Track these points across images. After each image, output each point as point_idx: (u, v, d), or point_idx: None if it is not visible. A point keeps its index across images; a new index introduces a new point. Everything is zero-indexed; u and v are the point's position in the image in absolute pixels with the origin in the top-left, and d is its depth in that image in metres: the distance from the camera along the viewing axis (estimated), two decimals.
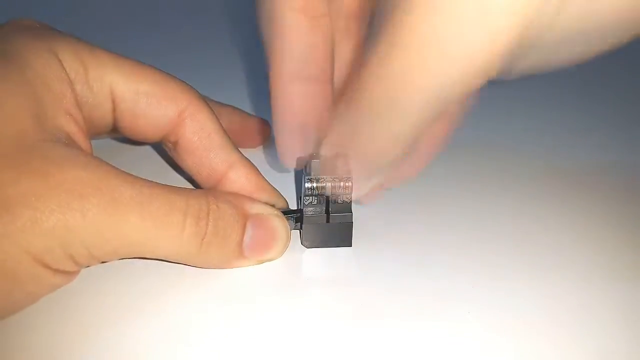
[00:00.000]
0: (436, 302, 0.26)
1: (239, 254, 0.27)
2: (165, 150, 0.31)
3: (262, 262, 0.28)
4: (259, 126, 0.39)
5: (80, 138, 0.25)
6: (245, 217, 0.27)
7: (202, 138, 0.29)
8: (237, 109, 0.38)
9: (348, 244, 0.29)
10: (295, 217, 0.29)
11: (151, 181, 0.25)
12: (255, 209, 0.27)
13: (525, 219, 0.33)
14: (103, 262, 0.26)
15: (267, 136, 0.39)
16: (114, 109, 0.28)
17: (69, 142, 0.24)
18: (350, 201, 0.29)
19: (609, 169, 0.38)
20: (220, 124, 0.29)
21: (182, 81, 0.29)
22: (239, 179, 0.29)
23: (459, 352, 0.24)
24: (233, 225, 0.26)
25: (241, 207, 0.27)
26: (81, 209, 0.22)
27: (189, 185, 0.34)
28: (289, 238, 0.28)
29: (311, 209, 0.29)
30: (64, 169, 0.23)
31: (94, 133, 0.29)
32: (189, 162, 0.29)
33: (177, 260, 0.26)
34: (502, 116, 0.45)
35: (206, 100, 0.30)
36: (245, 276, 0.27)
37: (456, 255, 0.29)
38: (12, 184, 0.22)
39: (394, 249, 0.30)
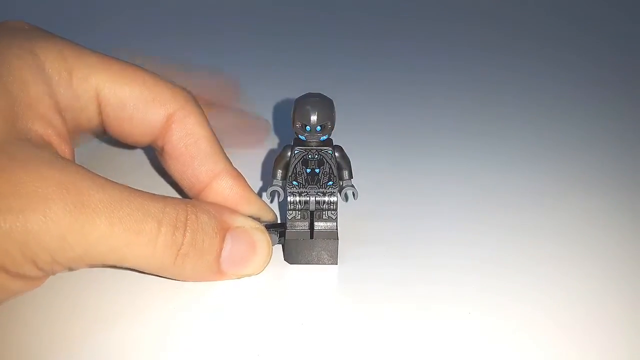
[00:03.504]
0: (437, 303, 0.26)
1: (217, 268, 0.26)
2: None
3: (240, 277, 0.27)
4: (259, 125, 0.38)
5: (56, 141, 0.24)
6: (225, 230, 0.26)
7: (188, 145, 0.28)
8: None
9: (334, 262, 0.28)
10: (279, 231, 0.28)
11: (126, 186, 0.24)
12: (237, 221, 0.26)
13: (526, 219, 0.32)
14: (71, 270, 0.25)
15: (267, 135, 0.38)
16: (100, 112, 0.27)
17: (41, 144, 0.23)
18: (337, 217, 0.28)
19: (612, 168, 0.38)
20: (211, 131, 0.28)
21: (174, 84, 0.28)
22: (223, 190, 0.28)
23: (460, 352, 0.24)
24: (212, 238, 0.25)
25: (221, 219, 0.26)
26: (43, 211, 0.21)
27: (175, 193, 0.33)
28: (270, 253, 0.27)
29: (295, 223, 0.28)
30: (28, 169, 0.21)
31: (81, 137, 0.29)
32: (174, 168, 0.28)
33: (150, 271, 0.25)
34: (499, 113, 0.45)
35: (199, 105, 0.29)
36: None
37: (456, 256, 0.29)
38: None
39: (388, 255, 0.29)
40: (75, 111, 0.26)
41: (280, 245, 0.29)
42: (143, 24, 0.64)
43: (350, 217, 0.31)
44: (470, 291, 0.27)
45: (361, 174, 0.31)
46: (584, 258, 0.29)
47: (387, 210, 0.33)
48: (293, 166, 0.28)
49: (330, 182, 0.28)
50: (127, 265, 0.24)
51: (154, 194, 0.24)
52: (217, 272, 0.26)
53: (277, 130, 0.42)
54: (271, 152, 0.38)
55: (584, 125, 0.43)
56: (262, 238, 0.27)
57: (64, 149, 0.25)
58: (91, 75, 0.26)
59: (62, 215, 0.21)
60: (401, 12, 0.68)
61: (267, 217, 0.29)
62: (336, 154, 0.28)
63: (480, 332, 0.25)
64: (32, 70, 0.24)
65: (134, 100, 0.27)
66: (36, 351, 0.23)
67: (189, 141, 0.28)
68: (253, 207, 0.29)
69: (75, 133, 0.27)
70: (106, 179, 0.23)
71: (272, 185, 0.29)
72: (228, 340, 0.24)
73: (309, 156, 0.28)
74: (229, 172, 0.28)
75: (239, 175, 0.29)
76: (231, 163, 0.29)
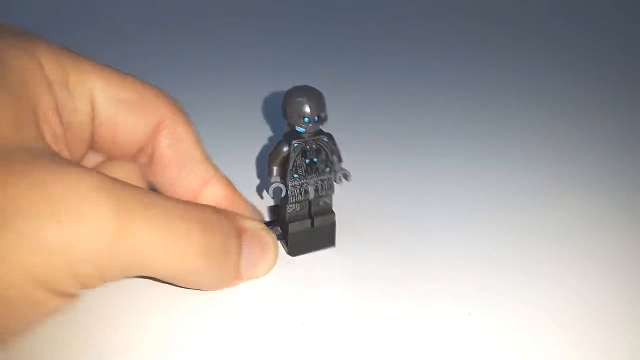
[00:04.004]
0: (437, 302, 0.26)
1: (236, 272, 0.25)
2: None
3: (252, 279, 0.27)
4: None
5: (60, 145, 0.23)
6: (240, 233, 0.25)
7: (178, 152, 0.27)
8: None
9: (332, 244, 0.29)
10: (281, 227, 0.29)
11: (149, 190, 0.23)
12: (246, 224, 0.26)
13: (526, 219, 0.32)
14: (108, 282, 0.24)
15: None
16: (94, 117, 0.26)
17: (51, 150, 0.22)
18: (332, 200, 0.29)
19: (613, 168, 0.38)
20: (198, 137, 0.28)
21: (161, 90, 0.28)
22: (216, 196, 0.28)
23: (460, 352, 0.24)
24: (235, 241, 0.25)
25: (236, 222, 0.25)
26: (86, 219, 0.19)
27: None
28: (278, 253, 0.27)
29: (296, 216, 0.28)
30: (60, 177, 0.19)
31: (72, 146, 0.27)
32: (163, 177, 0.28)
33: (179, 277, 0.24)
34: (499, 113, 0.45)
35: (185, 112, 0.28)
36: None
37: (456, 256, 0.29)
38: (1, 193, 0.18)
39: (388, 255, 0.29)
40: (70, 114, 0.26)
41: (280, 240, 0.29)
42: (142, 23, 0.64)
43: (350, 216, 0.31)
44: (470, 291, 0.27)
45: (361, 174, 0.31)
46: (584, 258, 0.29)
47: (388, 210, 0.33)
48: (293, 159, 0.28)
49: (328, 169, 0.28)
50: (162, 271, 0.23)
51: (173, 198, 0.24)
52: (237, 276, 0.26)
53: (274, 129, 0.42)
54: (264, 149, 0.38)
55: (584, 125, 0.43)
56: (270, 239, 0.27)
57: (64, 154, 0.24)
58: (86, 78, 0.26)
59: (107, 223, 0.19)
60: (401, 12, 0.68)
61: (257, 219, 0.29)
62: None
63: (480, 332, 0.24)
64: (32, 72, 0.24)
65: (129, 104, 0.26)
66: (36, 354, 0.23)
67: (180, 148, 0.27)
68: (244, 211, 0.28)
69: (68, 140, 0.26)
70: (129, 183, 0.22)
71: (272, 182, 0.28)
72: (227, 341, 0.24)
73: (307, 147, 0.28)
74: (219, 179, 0.28)
75: (228, 181, 0.28)
76: (219, 169, 0.29)
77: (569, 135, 0.42)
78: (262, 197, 0.32)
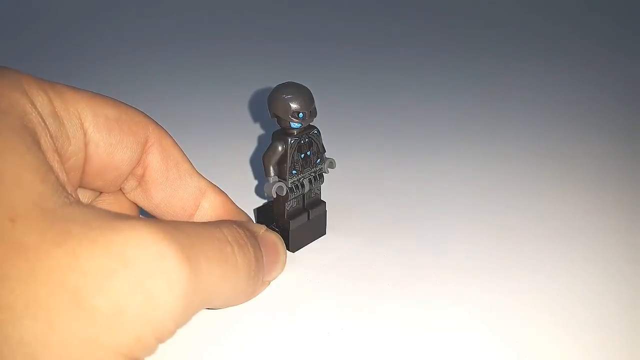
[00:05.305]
0: (437, 302, 0.26)
1: (262, 280, 0.24)
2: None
3: (270, 282, 0.26)
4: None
5: (67, 184, 0.21)
6: (256, 240, 0.24)
7: (170, 167, 0.26)
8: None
9: (323, 232, 0.30)
10: (276, 225, 0.29)
11: (174, 221, 0.21)
12: (256, 228, 0.25)
13: (526, 219, 0.32)
14: None
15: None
16: (87, 142, 0.24)
17: (76, 195, 0.20)
18: (320, 191, 0.30)
19: (613, 168, 0.37)
20: (181, 149, 0.27)
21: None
22: (214, 207, 0.26)
23: (460, 352, 0.23)
24: (259, 251, 0.24)
25: (250, 230, 0.24)
26: (163, 277, 0.17)
27: None
28: (286, 252, 0.27)
29: (294, 212, 0.29)
30: (125, 234, 0.18)
31: (72, 180, 0.25)
32: (158, 195, 0.26)
33: (229, 302, 0.24)
34: (499, 113, 0.45)
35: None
36: None
37: (456, 256, 0.29)
38: (70, 267, 0.16)
39: (387, 255, 0.29)
40: (64, 145, 0.23)
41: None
42: (139, 22, 0.64)
43: (349, 217, 0.31)
44: (470, 291, 0.26)
45: (361, 174, 0.31)
46: (584, 258, 0.29)
47: (387, 211, 0.32)
48: (291, 156, 0.28)
49: (318, 160, 0.29)
50: (218, 302, 0.23)
51: (196, 222, 0.23)
52: (263, 284, 0.25)
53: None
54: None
55: (584, 125, 0.43)
56: (277, 240, 0.26)
57: (74, 194, 0.22)
58: (70, 103, 0.23)
59: (182, 273, 0.18)
60: (401, 12, 0.69)
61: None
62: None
63: (480, 332, 0.24)
64: (29, 112, 0.21)
65: (117, 122, 0.24)
66: None
67: (171, 163, 0.26)
68: (242, 216, 0.28)
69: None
70: (159, 219, 0.21)
71: (272, 182, 0.28)
72: (227, 343, 0.24)
73: (301, 142, 0.28)
74: (214, 188, 0.27)
75: (221, 190, 0.27)
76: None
77: (569, 135, 0.42)
78: (265, 198, 0.33)
